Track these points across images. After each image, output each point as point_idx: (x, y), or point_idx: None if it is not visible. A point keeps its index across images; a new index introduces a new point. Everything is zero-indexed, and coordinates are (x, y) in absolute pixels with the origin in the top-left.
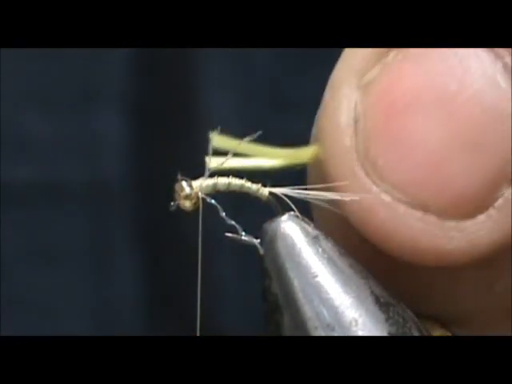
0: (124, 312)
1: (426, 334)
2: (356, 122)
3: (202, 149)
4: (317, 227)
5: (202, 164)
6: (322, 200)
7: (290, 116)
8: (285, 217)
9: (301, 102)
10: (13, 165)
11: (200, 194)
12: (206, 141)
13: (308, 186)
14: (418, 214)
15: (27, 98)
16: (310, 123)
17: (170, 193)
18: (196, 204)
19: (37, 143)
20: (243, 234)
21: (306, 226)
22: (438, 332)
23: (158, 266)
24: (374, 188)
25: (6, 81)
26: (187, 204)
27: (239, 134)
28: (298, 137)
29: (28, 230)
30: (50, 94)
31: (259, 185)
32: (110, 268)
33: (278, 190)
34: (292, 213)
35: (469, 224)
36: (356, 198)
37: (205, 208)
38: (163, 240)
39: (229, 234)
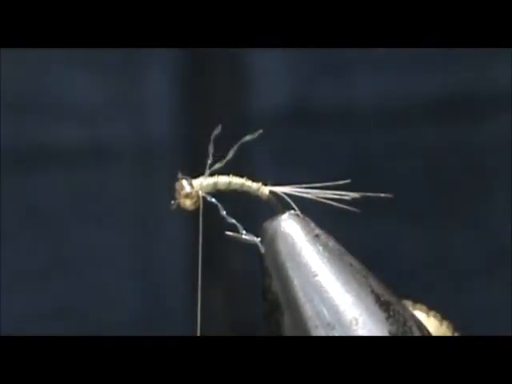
0: (170, 274)
1: (426, 332)
2: None
3: (248, 113)
4: (317, 226)
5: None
6: (323, 199)
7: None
8: (285, 216)
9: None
10: (63, 128)
11: (200, 192)
12: (253, 106)
13: (308, 185)
14: None
15: (77, 61)
16: None
17: (217, 156)
18: (196, 203)
19: (86, 106)
20: (244, 232)
21: (307, 224)
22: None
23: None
24: None
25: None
26: (188, 203)
27: (286, 97)
28: None
29: (78, 192)
30: (100, 57)
31: (260, 184)
32: (158, 230)
33: (278, 189)
34: (292, 212)
35: None
36: (357, 196)
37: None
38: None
39: (229, 233)
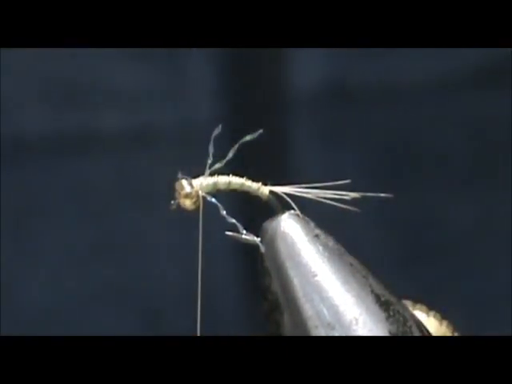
0: (214, 260)
1: (426, 332)
2: None
3: (288, 92)
4: (317, 226)
5: (289, 111)
6: (323, 198)
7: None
8: (285, 215)
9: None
10: (107, 115)
11: (200, 192)
12: (293, 86)
13: (308, 185)
14: None
15: (118, 50)
16: None
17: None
18: (196, 203)
19: (128, 93)
20: (244, 232)
21: (307, 224)
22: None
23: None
24: None
25: None
26: (187, 203)
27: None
28: None
29: (124, 177)
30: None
31: (259, 183)
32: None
33: (278, 189)
34: (292, 211)
35: None
36: (357, 196)
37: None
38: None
39: (229, 233)
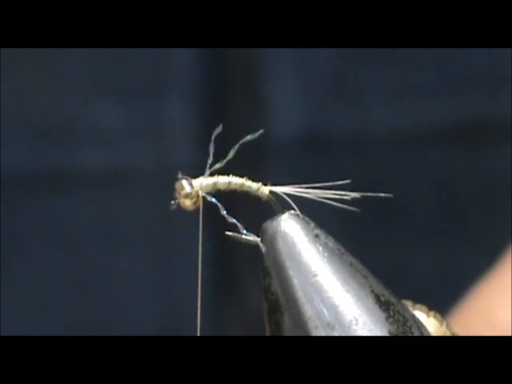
0: (190, 295)
1: (426, 332)
2: None
3: (265, 139)
4: (317, 226)
5: (265, 156)
6: (323, 199)
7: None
8: (285, 215)
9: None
10: (86, 153)
11: (200, 192)
12: (269, 132)
13: (308, 185)
14: None
15: (97, 88)
16: None
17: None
18: (196, 203)
19: (109, 132)
20: (244, 232)
21: (307, 224)
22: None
23: (224, 254)
24: None
25: (76, 71)
26: (187, 203)
27: (300, 123)
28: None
29: (102, 215)
30: (118, 83)
31: (260, 183)
32: (177, 252)
33: (278, 189)
34: (292, 211)
35: None
36: (357, 196)
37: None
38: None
39: (230, 233)
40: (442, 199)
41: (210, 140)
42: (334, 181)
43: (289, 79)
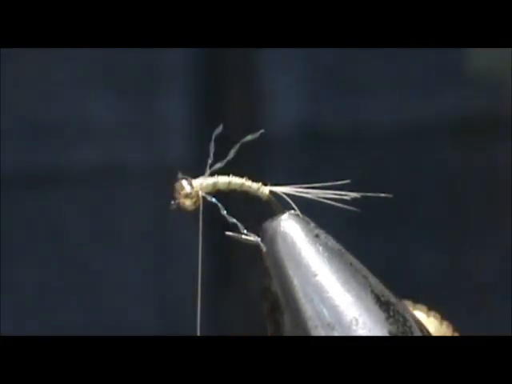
0: (186, 294)
1: (426, 332)
2: None
3: (264, 138)
4: (317, 226)
5: (265, 154)
6: (323, 199)
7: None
8: (285, 216)
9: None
10: (79, 150)
11: (200, 192)
12: (268, 130)
13: (308, 185)
14: None
15: (93, 86)
16: None
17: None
18: (196, 203)
19: (101, 129)
20: (245, 232)
21: (307, 224)
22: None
23: (220, 252)
24: None
25: (71, 69)
26: (187, 203)
27: (298, 119)
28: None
29: (94, 212)
30: (114, 82)
31: (260, 183)
32: (173, 250)
33: (278, 189)
34: (292, 212)
35: None
36: (357, 196)
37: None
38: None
39: (230, 233)
40: (444, 198)
41: (206, 138)
42: (333, 180)
43: (287, 76)
